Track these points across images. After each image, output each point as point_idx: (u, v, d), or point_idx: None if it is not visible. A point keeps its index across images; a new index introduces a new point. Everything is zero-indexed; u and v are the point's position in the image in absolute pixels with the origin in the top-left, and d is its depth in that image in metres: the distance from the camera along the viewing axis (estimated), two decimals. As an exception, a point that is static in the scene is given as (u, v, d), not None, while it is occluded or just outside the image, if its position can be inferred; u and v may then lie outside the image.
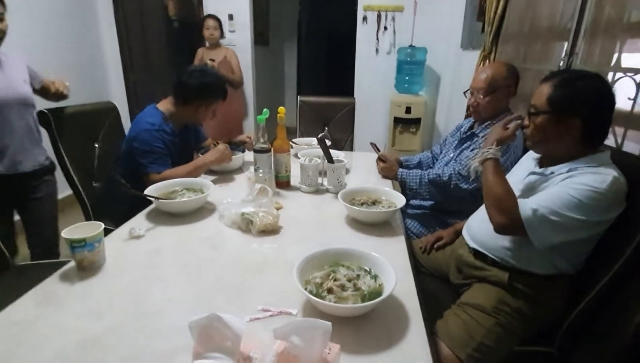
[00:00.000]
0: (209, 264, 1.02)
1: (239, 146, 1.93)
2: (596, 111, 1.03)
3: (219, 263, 1.03)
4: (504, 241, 1.14)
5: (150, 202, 1.33)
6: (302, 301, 0.85)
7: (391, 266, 0.86)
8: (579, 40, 1.55)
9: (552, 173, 1.08)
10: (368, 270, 0.89)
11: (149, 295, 0.88)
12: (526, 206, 1.01)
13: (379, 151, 1.87)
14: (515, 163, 1.53)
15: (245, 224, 1.19)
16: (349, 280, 0.85)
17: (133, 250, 1.08)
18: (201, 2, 3.70)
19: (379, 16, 3.54)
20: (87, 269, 0.95)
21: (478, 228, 1.26)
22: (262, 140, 1.45)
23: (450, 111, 3.50)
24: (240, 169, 1.82)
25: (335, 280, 0.85)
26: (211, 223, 1.27)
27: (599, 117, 1.03)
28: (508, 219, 1.03)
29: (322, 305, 0.77)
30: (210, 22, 3.25)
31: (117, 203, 1.74)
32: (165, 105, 1.69)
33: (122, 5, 3.74)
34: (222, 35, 3.37)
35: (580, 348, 1.07)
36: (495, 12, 2.26)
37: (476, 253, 1.23)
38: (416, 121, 3.42)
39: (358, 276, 0.87)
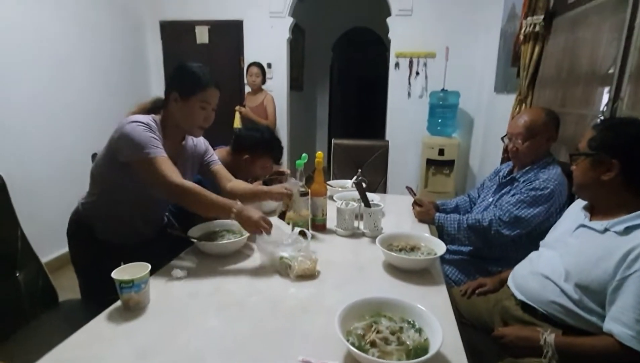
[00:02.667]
0: (248, 308, 1.02)
1: (273, 183, 1.97)
2: (636, 153, 0.99)
3: (257, 308, 1.03)
4: (553, 295, 1.08)
5: (191, 241, 1.36)
6: (343, 352, 0.83)
7: (436, 319, 0.82)
8: (623, 85, 1.52)
9: (606, 229, 1.02)
10: (412, 322, 0.86)
11: (189, 339, 0.89)
12: (626, 335, 0.90)
13: (414, 195, 1.85)
14: (561, 209, 1.48)
15: (284, 269, 1.19)
16: (392, 333, 0.82)
17: (175, 291, 1.10)
18: (242, 52, 3.97)
19: (410, 62, 3.64)
20: (132, 309, 0.98)
21: (525, 279, 1.20)
22: (300, 183, 1.49)
23: (485, 154, 3.45)
24: (274, 212, 1.84)
25: (377, 332, 0.82)
26: (249, 265, 1.28)
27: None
28: (626, 357, 0.91)
29: (366, 359, 0.74)
30: (253, 70, 3.49)
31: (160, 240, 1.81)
32: (221, 152, 1.81)
33: (170, 57, 4.08)
34: (263, 82, 3.57)
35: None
36: (531, 58, 2.27)
37: (524, 306, 1.16)
38: (449, 163, 3.39)
39: (401, 328, 0.84)
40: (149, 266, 1.00)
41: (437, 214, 1.68)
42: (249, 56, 3.95)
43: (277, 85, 3.97)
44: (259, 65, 3.52)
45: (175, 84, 1.31)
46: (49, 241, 2.27)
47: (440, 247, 1.27)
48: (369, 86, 7.09)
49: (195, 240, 1.30)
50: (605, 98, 1.68)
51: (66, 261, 2.44)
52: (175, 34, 4.04)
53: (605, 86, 1.67)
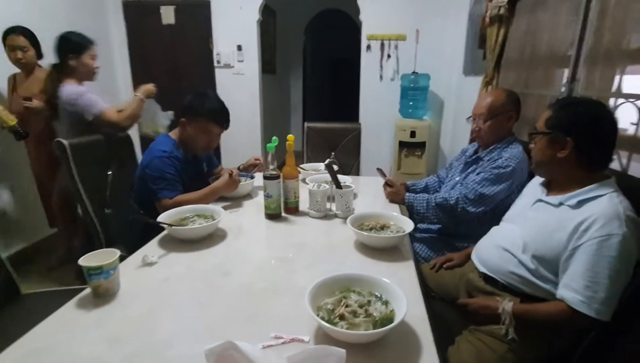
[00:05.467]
0: (220, 291, 1.04)
1: (249, 172, 1.97)
2: (588, 131, 1.05)
3: (230, 290, 1.04)
4: (512, 266, 1.15)
5: (162, 228, 1.35)
6: (314, 327, 0.86)
7: (402, 292, 0.87)
8: (579, 67, 1.59)
9: (560, 203, 1.09)
10: (379, 295, 0.90)
11: (162, 323, 0.89)
12: (576, 300, 0.97)
13: (385, 176, 1.89)
14: (522, 186, 1.55)
15: None
16: (361, 306, 0.86)
17: (146, 277, 1.10)
18: (211, 34, 3.85)
19: (382, 45, 3.65)
20: (102, 296, 0.97)
21: (486, 253, 1.26)
22: (271, 167, 1.49)
23: (455, 135, 3.54)
24: (249, 195, 1.85)
25: (346, 306, 0.85)
26: (222, 249, 1.28)
27: (593, 138, 1.05)
28: (576, 321, 0.99)
29: (334, 331, 0.78)
30: (14, 39, 2.18)
31: (129, 229, 1.78)
32: (175, 132, 1.76)
33: (135, 39, 3.92)
34: (39, 57, 2.29)
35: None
36: (496, 40, 2.33)
37: (486, 278, 1.23)
38: (421, 145, 3.46)
39: (369, 302, 0.88)
40: (118, 252, 0.99)
41: (407, 194, 1.73)
42: (218, 38, 3.84)
43: (249, 68, 3.89)
44: (22, 30, 2.20)
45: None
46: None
47: (408, 225, 1.31)
48: (342, 69, 7.07)
49: (166, 226, 1.29)
50: (564, 79, 1.75)
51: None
52: (140, 15, 3.87)
53: (564, 67, 1.75)
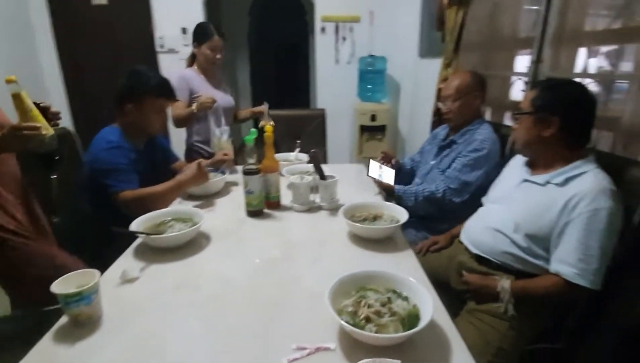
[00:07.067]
0: (220, 301, 0.94)
1: (219, 168, 1.82)
2: (574, 110, 1.10)
3: (230, 300, 0.95)
4: (505, 246, 1.18)
5: (132, 235, 1.20)
6: (336, 332, 0.81)
7: (421, 286, 0.84)
8: (544, 48, 1.66)
9: (547, 182, 1.13)
10: (397, 291, 0.87)
11: (165, 348, 0.79)
12: (571, 273, 1.03)
13: (375, 181, 1.79)
14: (496, 165, 1.61)
15: None
16: (383, 305, 0.82)
17: (130, 295, 0.97)
18: (151, 17, 3.52)
19: (337, 27, 3.58)
20: (83, 325, 0.83)
21: (478, 235, 1.29)
22: (250, 161, 1.39)
23: (414, 118, 3.61)
24: (219, 193, 1.71)
25: (368, 306, 0.81)
26: (209, 254, 1.18)
27: (578, 117, 1.11)
28: (572, 293, 1.05)
29: (364, 336, 0.73)
30: None
31: (84, 237, 1.58)
32: (119, 121, 1.58)
33: (60, 21, 3.46)
34: None
35: (585, 341, 1.13)
36: (455, 22, 2.37)
37: (479, 259, 1.26)
38: (381, 129, 3.49)
39: (389, 299, 0.84)
40: (98, 273, 0.86)
41: (397, 187, 1.71)
42: (160, 22, 3.52)
43: (196, 52, 3.62)
44: None
45: None
46: None
47: (402, 214, 1.29)
48: (288, 53, 6.89)
49: (143, 235, 1.15)
50: (526, 60, 1.83)
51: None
52: (64, -6, 3.42)
53: (527, 48, 1.82)
